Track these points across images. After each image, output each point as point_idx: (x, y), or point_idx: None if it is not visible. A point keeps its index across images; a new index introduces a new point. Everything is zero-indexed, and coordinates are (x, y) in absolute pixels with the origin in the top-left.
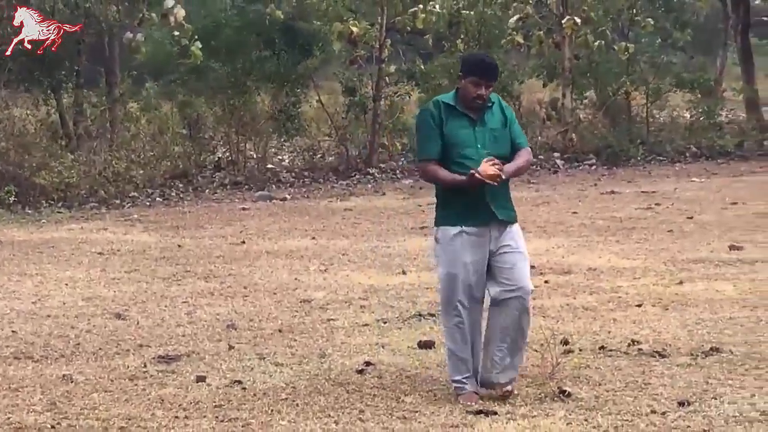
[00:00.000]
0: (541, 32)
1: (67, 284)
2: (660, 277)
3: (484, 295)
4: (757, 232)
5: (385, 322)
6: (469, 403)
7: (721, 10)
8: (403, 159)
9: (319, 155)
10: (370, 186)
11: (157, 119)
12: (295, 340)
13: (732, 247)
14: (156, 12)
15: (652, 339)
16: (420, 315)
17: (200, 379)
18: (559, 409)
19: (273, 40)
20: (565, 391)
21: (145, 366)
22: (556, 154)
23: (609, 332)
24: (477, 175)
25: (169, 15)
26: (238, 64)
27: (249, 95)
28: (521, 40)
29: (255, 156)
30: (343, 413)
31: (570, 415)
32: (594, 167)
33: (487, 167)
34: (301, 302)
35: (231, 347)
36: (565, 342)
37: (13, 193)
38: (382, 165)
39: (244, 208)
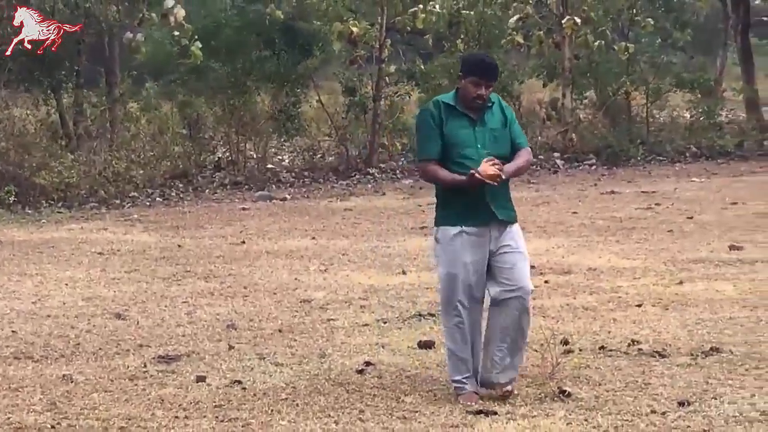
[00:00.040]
0: (541, 32)
1: (67, 284)
2: (660, 277)
3: (484, 295)
4: (757, 232)
5: (385, 322)
6: (469, 403)
7: (721, 10)
8: (403, 159)
9: (319, 155)
10: (370, 186)
11: (157, 119)
12: (295, 340)
13: (732, 247)
14: (156, 12)
15: (652, 339)
16: (420, 315)
17: (200, 379)
18: (559, 409)
19: (273, 40)
20: (565, 391)
21: (145, 366)
22: (556, 154)
23: (609, 332)
24: (477, 175)
25: (169, 15)
26: (238, 64)
27: (249, 95)
28: (521, 40)
29: (255, 156)
30: (343, 413)
31: (570, 415)
32: (594, 167)
33: (487, 167)
34: (301, 302)
35: (231, 347)
36: (565, 342)
37: (13, 193)
38: (382, 165)
39: (244, 208)
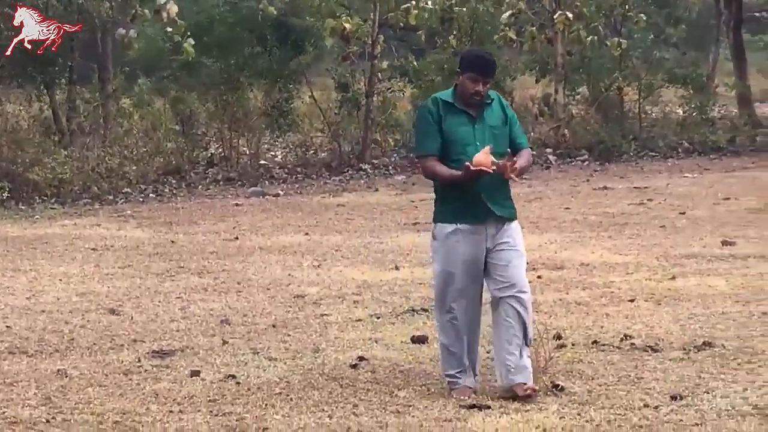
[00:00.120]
0: (534, 28)
1: (61, 280)
2: (652, 272)
3: (481, 292)
4: (749, 227)
5: (378, 318)
6: (462, 398)
7: (714, 5)
8: (395, 155)
9: (311, 151)
10: (362, 182)
11: (149, 115)
12: (289, 335)
13: (724, 243)
14: (149, 8)
15: (644, 334)
16: (413, 310)
17: (194, 373)
18: (552, 403)
19: (265, 36)
20: (558, 385)
21: (139, 361)
22: (549, 150)
23: (602, 327)
24: (471, 167)
25: (161, 11)
26: (230, 60)
27: (242, 91)
28: (514, 36)
29: (248, 152)
30: (336, 407)
31: (563, 409)
32: (586, 163)
33: (478, 156)
34: (294, 297)
35: (225, 342)
36: (558, 337)
37: (7, 189)
38: (375, 161)
39: (237, 204)
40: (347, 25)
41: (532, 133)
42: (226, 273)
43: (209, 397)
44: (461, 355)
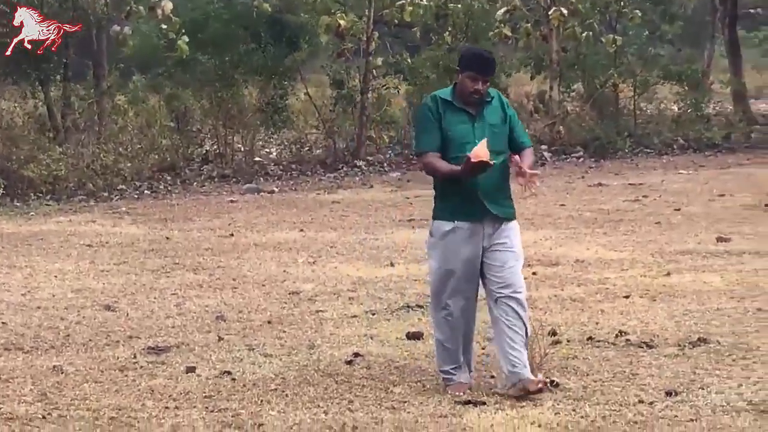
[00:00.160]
0: (529, 24)
1: (56, 276)
2: (647, 269)
3: (476, 290)
4: (744, 223)
5: (373, 314)
6: (457, 393)
7: (709, 2)
8: (390, 152)
9: (306, 148)
10: (357, 178)
11: (144, 112)
12: (284, 332)
13: (719, 239)
14: (143, 5)
15: (639, 330)
16: (408, 306)
17: (190, 369)
18: (547, 399)
19: (260, 32)
20: (553, 381)
21: (134, 357)
22: (544, 147)
23: (597, 323)
24: (472, 159)
25: (156, 8)
26: (225, 57)
27: (236, 88)
28: (509, 33)
29: (242, 149)
30: (332, 403)
31: (558, 404)
32: (581, 159)
33: (476, 149)
34: (289, 294)
35: (220, 338)
36: (553, 333)
37: (2, 186)
38: (370, 158)
39: (232, 201)
40: (342, 22)
41: (527, 130)
42: (221, 269)
43: (205, 393)
44: (456, 352)
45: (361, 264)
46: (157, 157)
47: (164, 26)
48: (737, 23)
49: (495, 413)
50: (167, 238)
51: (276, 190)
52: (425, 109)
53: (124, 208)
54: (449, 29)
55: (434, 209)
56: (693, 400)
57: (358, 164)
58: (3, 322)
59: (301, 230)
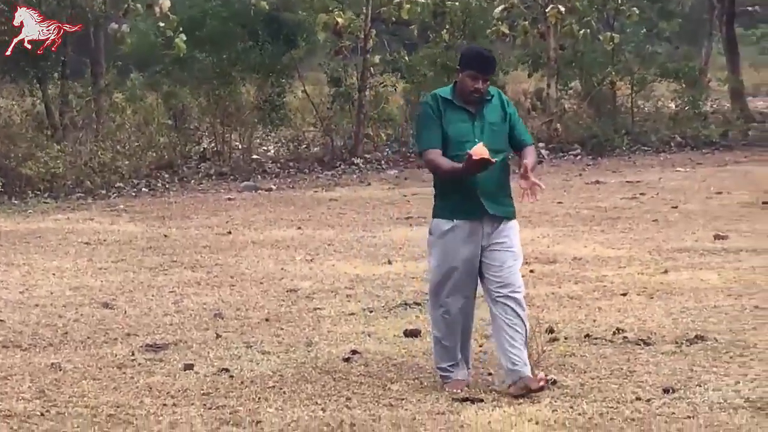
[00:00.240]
0: (526, 22)
1: (54, 274)
2: (645, 266)
3: (475, 288)
4: (741, 221)
5: (371, 311)
6: (455, 391)
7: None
8: (387, 149)
9: (304, 146)
10: (355, 176)
11: (142, 110)
12: (282, 329)
13: (717, 237)
14: (141, 2)
15: (637, 327)
16: (406, 304)
17: (188, 367)
18: (545, 396)
19: (258, 30)
20: (551, 378)
21: (133, 354)
22: (541, 144)
23: (594, 321)
24: (474, 156)
25: (154, 6)
26: (223, 55)
27: (234, 86)
28: (506, 30)
29: (240, 146)
30: (330, 401)
31: (555, 402)
32: (579, 157)
33: (476, 149)
34: (287, 291)
35: (218, 336)
36: (551, 330)
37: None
38: (367, 155)
39: (229, 199)
40: (339, 20)
41: None
42: (219, 267)
43: (203, 390)
44: (454, 349)
45: (359, 261)
46: (154, 154)
47: (162, 24)
48: (735, 21)
49: (492, 410)
50: (165, 235)
51: (273, 187)
52: (426, 108)
53: (121, 206)
54: (447, 27)
55: (434, 208)
56: (690, 397)
57: (355, 162)
58: (1, 320)
59: (299, 228)
